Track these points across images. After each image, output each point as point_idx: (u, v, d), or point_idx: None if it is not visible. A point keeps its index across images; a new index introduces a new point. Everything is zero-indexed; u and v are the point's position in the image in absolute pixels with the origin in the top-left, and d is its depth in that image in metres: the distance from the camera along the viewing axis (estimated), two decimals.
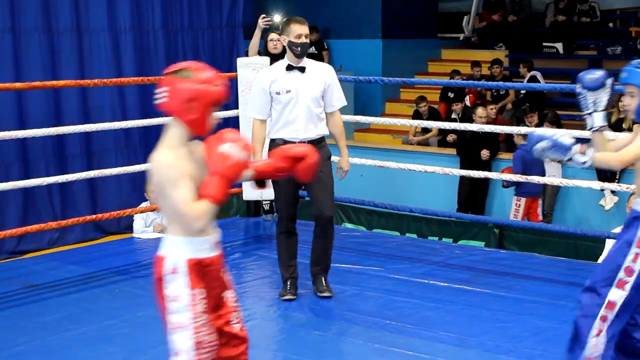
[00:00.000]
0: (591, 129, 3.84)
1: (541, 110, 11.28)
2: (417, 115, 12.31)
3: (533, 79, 12.72)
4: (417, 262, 6.47)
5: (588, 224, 9.93)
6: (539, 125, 10.65)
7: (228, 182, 3.05)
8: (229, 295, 3.26)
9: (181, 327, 3.08)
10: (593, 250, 7.27)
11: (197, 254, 3.12)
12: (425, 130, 12.28)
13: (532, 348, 4.66)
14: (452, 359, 4.50)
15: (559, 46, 14.85)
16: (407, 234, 8.52)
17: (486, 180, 10.71)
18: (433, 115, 12.25)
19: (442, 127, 9.85)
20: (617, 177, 9.94)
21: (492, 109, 11.62)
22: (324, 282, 5.59)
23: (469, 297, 5.61)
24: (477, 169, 8.99)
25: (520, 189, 9.90)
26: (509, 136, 11.63)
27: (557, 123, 10.80)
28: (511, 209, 10.04)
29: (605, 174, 10.13)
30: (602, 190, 10.01)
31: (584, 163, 3.66)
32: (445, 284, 5.90)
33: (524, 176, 7.47)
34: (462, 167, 10.25)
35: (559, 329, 4.94)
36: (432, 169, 7.34)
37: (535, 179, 8.42)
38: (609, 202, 10.19)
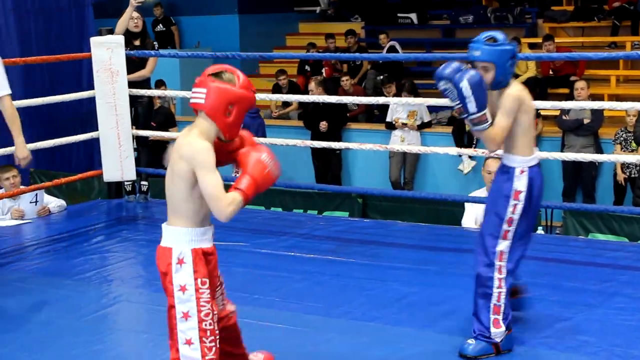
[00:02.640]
0: (466, 117, 3.94)
1: (399, 80, 11.47)
2: (277, 89, 12.33)
3: (392, 49, 12.90)
4: (283, 236, 6.50)
5: (448, 189, 10.19)
6: (397, 94, 10.85)
7: (258, 189, 3.22)
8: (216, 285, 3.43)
9: (189, 316, 3.19)
10: (453, 214, 7.45)
11: (201, 244, 3.25)
12: (286, 104, 12.32)
13: (397, 313, 4.74)
14: (321, 329, 4.52)
15: (413, 16, 15.11)
16: (272, 208, 8.54)
17: (339, 151, 10.88)
18: (293, 88, 12.30)
19: (302, 100, 9.92)
20: (474, 143, 10.22)
21: (346, 80, 11.78)
22: None
23: (335, 267, 5.67)
24: (321, 140, 9.13)
25: None
26: (369, 107, 11.80)
27: (415, 92, 11.02)
28: None
29: (462, 140, 10.40)
30: (460, 155, 10.29)
31: (474, 128, 3.92)
32: (312, 256, 5.94)
33: (398, 146, 7.57)
34: (312, 139, 10.39)
35: (423, 293, 5.05)
36: (293, 142, 7.37)
37: (396, 147, 8.61)
38: (467, 166, 10.49)
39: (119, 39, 7.14)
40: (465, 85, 3.80)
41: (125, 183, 7.63)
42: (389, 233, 6.55)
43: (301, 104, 11.71)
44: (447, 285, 5.22)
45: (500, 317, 4.02)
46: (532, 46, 12.97)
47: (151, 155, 7.93)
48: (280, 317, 4.70)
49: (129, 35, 7.36)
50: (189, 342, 3.21)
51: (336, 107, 10.75)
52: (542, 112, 10.63)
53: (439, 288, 5.18)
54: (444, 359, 4.07)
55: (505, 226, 4.00)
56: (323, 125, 10.72)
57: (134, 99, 7.34)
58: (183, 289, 3.21)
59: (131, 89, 7.22)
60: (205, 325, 3.21)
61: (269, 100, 11.96)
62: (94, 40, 7.19)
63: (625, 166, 9.22)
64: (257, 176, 3.22)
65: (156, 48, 7.74)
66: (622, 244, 6.57)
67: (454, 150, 8.02)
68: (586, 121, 9.48)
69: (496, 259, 4.01)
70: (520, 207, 3.98)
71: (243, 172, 3.24)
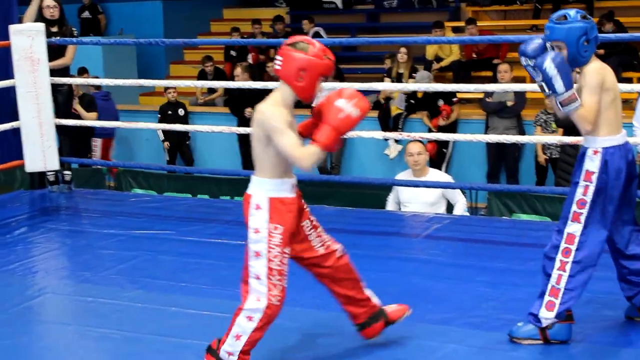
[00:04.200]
0: (548, 95, 3.91)
1: None
2: (202, 76, 12.26)
3: (317, 35, 12.90)
4: (210, 223, 6.46)
5: (374, 174, 10.25)
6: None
7: (338, 133, 3.50)
8: (307, 226, 3.81)
9: (259, 255, 3.59)
10: (380, 198, 7.50)
11: (278, 194, 3.60)
12: (212, 90, 12.26)
13: (322, 297, 4.73)
14: None
15: (338, 1, 15.13)
16: (199, 195, 8.49)
17: None
18: (219, 75, 12.24)
19: (227, 87, 9.87)
20: (400, 127, 10.29)
21: (272, 65, 11.73)
22: None
23: None
24: (247, 126, 9.10)
25: (97, 129, 10.28)
26: None
27: (340, 77, 11.06)
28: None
29: (388, 124, 10.47)
30: (386, 139, 10.35)
31: (563, 109, 3.82)
32: (239, 242, 5.86)
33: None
34: (238, 126, 10.37)
35: None
36: (219, 129, 7.34)
37: None
38: (393, 150, 10.56)
39: (39, 27, 7.00)
40: (548, 66, 3.75)
41: (48, 173, 7.51)
42: (316, 217, 6.54)
43: (227, 91, 11.65)
44: (374, 269, 5.23)
45: (556, 301, 3.90)
46: (455, 30, 13.09)
47: (74, 145, 7.82)
48: (209, 305, 4.68)
49: (45, 23, 7.23)
50: (257, 277, 3.61)
51: (262, 93, 10.70)
52: (466, 95, 10.77)
53: (365, 272, 5.15)
54: (372, 342, 4.09)
55: (575, 207, 3.92)
56: (249, 111, 10.68)
57: (54, 88, 7.21)
58: (257, 231, 3.60)
59: (53, 77, 7.10)
60: (273, 265, 3.60)
61: (195, 87, 11.87)
62: (13, 28, 7.04)
63: (545, 147, 9.38)
64: (333, 123, 3.49)
65: (76, 35, 7.61)
66: (545, 224, 6.69)
67: (379, 135, 8.07)
68: (509, 103, 9.62)
69: (563, 240, 3.92)
70: (592, 188, 3.88)
71: (322, 122, 3.54)
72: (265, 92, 11.25)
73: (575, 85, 3.84)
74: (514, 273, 5.08)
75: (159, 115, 11.06)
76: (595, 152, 3.89)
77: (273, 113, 3.53)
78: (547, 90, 3.84)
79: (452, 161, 10.46)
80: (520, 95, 9.53)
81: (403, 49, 10.60)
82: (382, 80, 10.62)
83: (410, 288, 4.86)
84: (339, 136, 3.53)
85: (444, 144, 10.15)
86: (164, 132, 11.03)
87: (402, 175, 7.23)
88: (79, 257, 5.75)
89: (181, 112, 11.18)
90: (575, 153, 8.05)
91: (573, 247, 3.91)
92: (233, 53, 13.08)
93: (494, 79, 10.00)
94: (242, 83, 7.87)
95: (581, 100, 3.81)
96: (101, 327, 4.41)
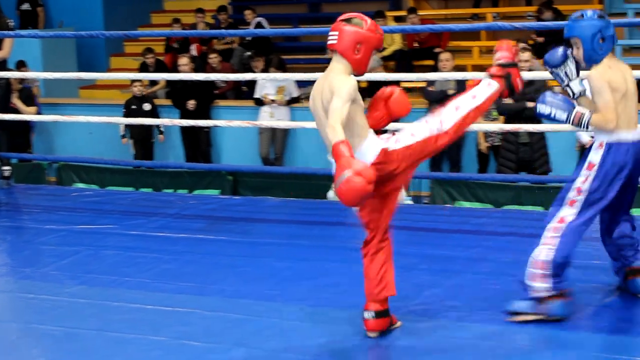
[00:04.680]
0: (574, 97, 4.14)
1: (267, 55, 11.45)
2: (144, 68, 12.15)
3: (259, 25, 12.86)
4: (153, 216, 6.42)
5: (318, 164, 10.24)
6: (264, 70, 10.84)
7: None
8: None
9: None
10: (322, 188, 7.51)
11: (386, 144, 3.81)
12: (153, 82, 12.15)
13: (270, 289, 4.75)
14: (194, 308, 4.49)
15: None
16: (142, 189, 8.43)
17: (208, 129, 10.83)
18: (160, 67, 12.14)
19: (169, 79, 9.80)
20: None
21: (214, 57, 11.71)
22: None
23: (206, 245, 5.65)
24: (189, 119, 9.09)
25: None
26: (237, 83, 11.76)
27: (283, 68, 11.04)
28: None
29: None
30: None
31: (582, 127, 4.08)
32: (183, 235, 5.90)
33: (267, 122, 7.55)
34: (180, 118, 10.31)
35: (294, 267, 5.09)
36: (161, 121, 7.29)
37: (265, 123, 8.60)
38: None
39: None
40: (542, 108, 4.10)
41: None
42: (259, 209, 6.56)
43: (169, 83, 11.56)
44: (319, 258, 5.26)
45: (547, 273, 4.03)
46: (397, 19, 13.14)
47: (13, 140, 7.71)
48: (152, 298, 4.64)
49: None
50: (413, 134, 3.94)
51: (204, 84, 10.67)
52: (408, 85, 10.81)
53: (311, 262, 5.22)
54: (318, 331, 4.10)
55: (572, 193, 4.08)
56: (191, 103, 10.62)
57: None
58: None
59: None
60: None
61: (135, 79, 11.74)
62: None
63: (487, 135, 9.46)
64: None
65: (12, 27, 7.48)
66: (486, 211, 6.76)
67: None
68: (451, 92, 9.66)
69: (554, 221, 4.09)
70: (591, 179, 4.05)
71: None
72: (208, 84, 11.25)
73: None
74: (456, 260, 5.12)
75: (124, 110, 10.82)
76: (601, 145, 4.08)
77: (347, 80, 3.72)
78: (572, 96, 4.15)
79: None
80: (461, 84, 9.57)
81: None
82: (324, 71, 10.61)
83: (356, 277, 4.85)
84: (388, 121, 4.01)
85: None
86: (129, 127, 10.82)
87: None
88: (20, 254, 5.68)
89: (147, 106, 10.88)
90: (516, 140, 8.16)
91: (562, 226, 4.06)
92: (176, 45, 12.98)
93: (435, 68, 10.05)
94: (185, 75, 7.82)
95: (596, 105, 4.04)
96: (43, 324, 4.35)
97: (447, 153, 9.99)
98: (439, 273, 4.86)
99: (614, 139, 4.05)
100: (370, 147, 3.79)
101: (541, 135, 8.14)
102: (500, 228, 5.98)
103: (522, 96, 8.07)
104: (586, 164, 4.09)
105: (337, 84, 3.70)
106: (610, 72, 4.07)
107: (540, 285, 4.06)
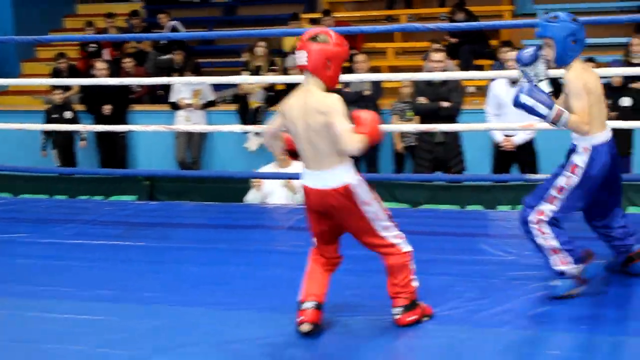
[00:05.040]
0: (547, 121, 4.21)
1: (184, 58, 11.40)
2: (57, 74, 11.94)
3: (174, 29, 12.76)
4: (69, 224, 6.33)
5: (235, 167, 10.25)
6: (180, 74, 10.76)
7: (372, 140, 3.84)
8: None
9: (376, 219, 3.98)
10: (241, 191, 7.50)
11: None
12: (67, 88, 11.95)
13: (190, 294, 4.73)
14: (112, 316, 4.44)
15: None
16: (56, 196, 8.29)
17: (123, 134, 10.74)
18: (73, 72, 11.96)
19: (83, 84, 9.68)
20: (260, 120, 10.31)
21: (128, 62, 11.60)
22: None
23: (123, 252, 5.59)
24: (105, 124, 9.00)
25: None
26: (152, 88, 11.67)
27: (198, 71, 11.00)
28: None
29: (247, 117, 10.46)
30: (246, 133, 10.35)
31: (558, 125, 4.18)
32: (99, 242, 5.83)
33: (182, 126, 7.51)
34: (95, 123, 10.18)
35: (213, 272, 5.07)
36: (75, 127, 7.18)
37: (181, 127, 8.54)
38: (253, 143, 10.56)
39: None
40: (525, 99, 4.12)
41: None
42: (177, 214, 6.52)
43: (83, 88, 11.39)
44: (237, 262, 5.26)
45: (564, 255, 4.25)
46: (312, 21, 13.17)
47: None
48: (69, 307, 4.58)
49: None
50: (385, 228, 4.06)
51: (119, 89, 10.55)
52: None
53: (229, 266, 5.20)
54: (236, 334, 4.09)
55: (553, 191, 4.25)
56: (107, 108, 10.48)
57: None
58: (369, 203, 3.94)
59: None
60: (386, 221, 4.05)
61: (49, 85, 11.55)
62: None
63: (403, 136, 9.55)
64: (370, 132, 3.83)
65: None
66: (403, 211, 6.82)
67: (238, 128, 8.07)
68: (366, 93, 9.74)
69: (533, 214, 4.27)
70: (574, 180, 4.22)
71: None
72: (124, 89, 11.08)
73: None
74: (374, 260, 5.14)
75: (46, 120, 10.54)
76: (585, 149, 4.24)
77: (334, 99, 3.80)
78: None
79: None
80: (376, 85, 9.67)
81: (261, 42, 10.61)
82: (240, 74, 10.59)
83: (274, 280, 4.88)
84: (370, 143, 3.84)
85: None
86: (50, 137, 10.60)
87: (267, 168, 7.28)
88: None
89: (68, 114, 10.62)
90: (431, 140, 8.26)
91: (544, 217, 4.26)
92: (91, 49, 12.79)
93: (351, 70, 10.11)
94: (99, 80, 7.72)
95: (571, 107, 4.15)
96: None
97: (364, 154, 10.05)
98: (357, 273, 4.88)
99: (597, 142, 4.23)
100: (349, 171, 3.92)
101: (456, 135, 8.26)
102: (418, 227, 6.04)
103: (437, 96, 8.17)
104: (570, 166, 4.26)
105: (329, 105, 3.79)
106: (586, 74, 4.23)
107: (567, 266, 4.27)
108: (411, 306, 4.07)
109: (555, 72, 4.51)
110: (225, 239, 5.78)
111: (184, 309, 4.48)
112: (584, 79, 4.18)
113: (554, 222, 4.27)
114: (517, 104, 4.18)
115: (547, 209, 4.26)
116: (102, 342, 4.06)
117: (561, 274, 4.31)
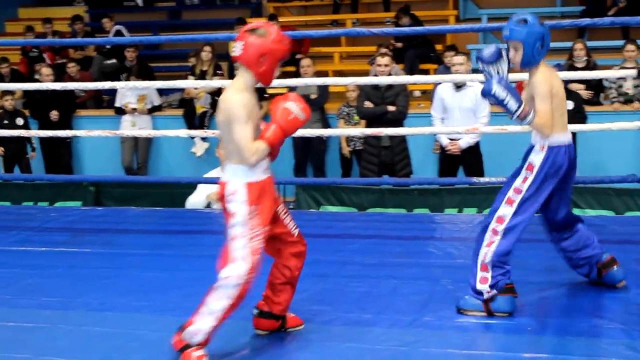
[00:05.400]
0: (512, 115, 4.23)
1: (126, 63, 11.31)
2: (0, 79, 11.79)
3: (118, 33, 12.67)
4: (12, 230, 6.26)
5: (182, 172, 10.19)
6: (125, 78, 10.68)
7: (284, 132, 3.71)
8: (281, 210, 3.95)
9: (238, 237, 3.70)
10: (187, 197, 7.46)
11: (252, 178, 3.72)
12: (10, 93, 11.80)
13: (137, 300, 4.69)
14: (58, 323, 4.39)
15: (139, 0, 14.95)
16: (0, 203, 8.19)
17: (69, 140, 10.62)
18: (16, 76, 11.81)
19: (27, 89, 9.57)
20: (206, 124, 10.28)
21: (72, 66, 11.50)
22: None
23: (69, 258, 5.54)
24: (50, 129, 8.92)
25: None
26: (97, 93, 11.57)
27: (149, 74, 10.94)
28: None
29: (194, 122, 10.42)
30: (192, 137, 10.31)
31: (522, 123, 4.25)
32: (44, 249, 5.77)
33: (128, 131, 7.45)
34: (40, 129, 10.05)
35: (161, 277, 5.04)
36: (18, 133, 7.10)
37: (126, 132, 8.47)
38: (199, 148, 10.52)
39: None
40: (498, 89, 4.13)
41: None
42: (123, 219, 6.48)
43: (26, 93, 11.25)
44: (185, 268, 5.24)
45: (488, 275, 4.22)
46: None
47: None
48: (14, 315, 4.52)
49: None
50: (236, 257, 3.72)
51: (64, 94, 10.44)
52: (272, 91, 10.85)
53: (177, 271, 5.18)
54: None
55: (511, 193, 4.25)
56: (54, 114, 10.35)
57: None
58: (235, 215, 3.70)
59: None
60: (254, 245, 3.72)
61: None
62: None
63: (349, 140, 9.58)
64: (282, 123, 3.70)
65: None
66: (351, 214, 6.86)
67: (185, 133, 8.03)
68: (313, 96, 9.76)
69: (493, 220, 4.25)
70: (530, 180, 4.22)
71: (271, 121, 3.72)
72: (69, 93, 10.99)
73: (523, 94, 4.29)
74: (324, 264, 5.17)
75: None
76: (542, 148, 4.26)
77: (238, 100, 3.66)
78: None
79: None
80: (323, 89, 9.70)
81: (207, 47, 10.57)
82: (186, 78, 10.55)
83: None
84: (285, 136, 3.73)
85: None
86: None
87: (213, 173, 7.26)
88: None
89: (20, 121, 10.40)
90: (377, 144, 8.30)
91: (500, 227, 4.23)
92: (33, 54, 12.65)
93: (297, 74, 10.12)
94: (42, 85, 7.64)
95: (535, 109, 4.18)
96: None
97: (311, 158, 10.07)
98: (307, 278, 4.88)
99: (554, 142, 4.24)
100: (242, 173, 3.73)
101: (402, 139, 8.30)
102: (365, 231, 6.07)
103: (383, 100, 8.21)
104: (526, 165, 4.28)
105: (230, 106, 3.66)
106: (553, 78, 4.27)
107: (484, 286, 4.23)
108: (183, 349, 3.77)
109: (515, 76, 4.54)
110: (173, 244, 5.75)
111: (131, 315, 4.44)
112: (551, 83, 4.23)
113: (506, 252, 4.24)
114: (487, 93, 4.18)
115: (506, 212, 4.24)
116: (47, 350, 4.00)
117: (475, 292, 4.28)
